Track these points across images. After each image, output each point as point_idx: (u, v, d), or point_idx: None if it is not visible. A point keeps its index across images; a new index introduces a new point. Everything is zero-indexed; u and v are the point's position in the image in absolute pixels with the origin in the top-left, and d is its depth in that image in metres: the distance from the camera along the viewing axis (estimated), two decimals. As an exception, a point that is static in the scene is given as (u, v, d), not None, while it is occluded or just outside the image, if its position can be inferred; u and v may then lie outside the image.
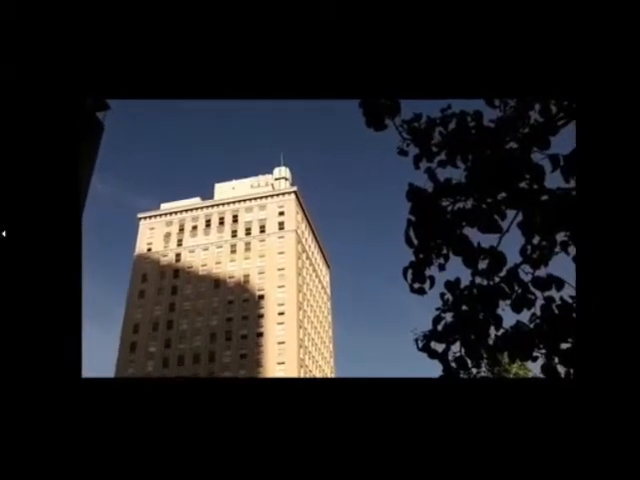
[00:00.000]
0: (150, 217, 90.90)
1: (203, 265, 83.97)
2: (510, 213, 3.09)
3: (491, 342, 2.81)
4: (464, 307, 2.90)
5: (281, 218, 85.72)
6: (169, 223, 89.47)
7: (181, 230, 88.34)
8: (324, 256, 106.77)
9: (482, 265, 2.94)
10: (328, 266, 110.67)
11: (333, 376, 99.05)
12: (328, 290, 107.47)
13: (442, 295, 2.99)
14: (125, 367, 76.92)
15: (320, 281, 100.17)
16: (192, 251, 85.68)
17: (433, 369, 3.07)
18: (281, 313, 77.21)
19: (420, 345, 2.93)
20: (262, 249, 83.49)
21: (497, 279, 2.90)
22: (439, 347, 2.95)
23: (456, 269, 3.21)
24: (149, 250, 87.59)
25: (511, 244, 3.15)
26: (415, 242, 2.98)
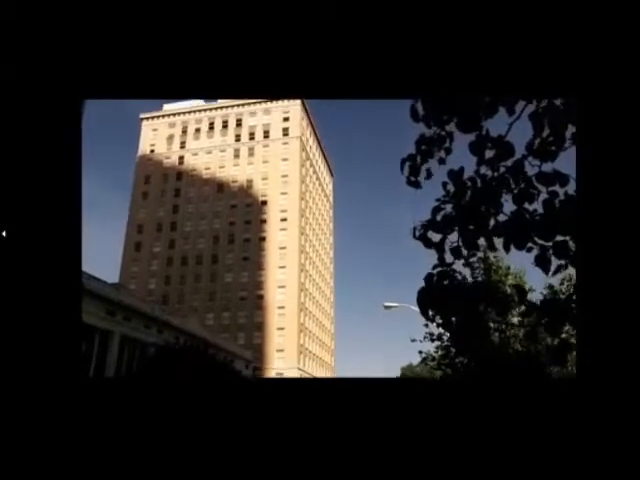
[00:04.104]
0: (153, 118, 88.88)
1: (206, 169, 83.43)
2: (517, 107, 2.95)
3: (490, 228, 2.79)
4: (465, 198, 2.84)
5: (286, 124, 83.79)
6: (172, 125, 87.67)
7: (184, 132, 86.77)
8: (328, 164, 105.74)
9: (489, 155, 2.85)
10: (332, 174, 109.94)
11: (332, 280, 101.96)
12: (331, 198, 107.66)
13: (444, 184, 2.91)
14: (129, 266, 79.05)
15: (323, 189, 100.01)
16: (195, 154, 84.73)
17: (424, 267, 3.07)
18: (284, 219, 77.90)
19: (417, 234, 2.90)
20: (266, 155, 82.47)
21: (502, 169, 2.82)
22: (436, 238, 2.93)
23: (456, 165, 3.12)
24: (152, 152, 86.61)
25: (520, 139, 3.04)
26: (421, 114, 2.88)
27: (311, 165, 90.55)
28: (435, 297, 2.75)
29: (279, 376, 66.22)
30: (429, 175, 3.05)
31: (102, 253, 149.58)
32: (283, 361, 69.76)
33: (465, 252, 2.81)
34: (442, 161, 3.08)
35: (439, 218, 2.87)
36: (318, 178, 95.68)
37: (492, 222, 2.77)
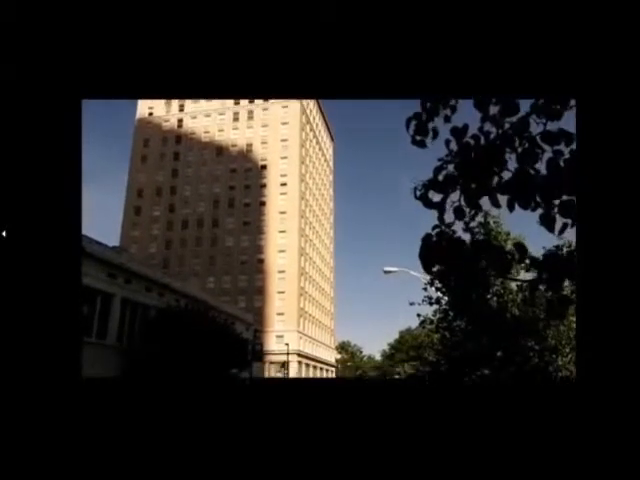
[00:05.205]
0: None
1: (205, 132, 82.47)
2: None
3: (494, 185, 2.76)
4: (469, 156, 2.79)
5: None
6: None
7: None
8: (328, 129, 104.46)
9: (493, 111, 2.79)
10: (332, 139, 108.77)
11: (332, 245, 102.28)
12: (331, 163, 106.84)
13: (447, 142, 2.86)
14: (130, 230, 79.12)
15: (323, 154, 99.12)
16: (194, 117, 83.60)
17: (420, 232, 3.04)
18: (283, 184, 77.51)
19: (418, 194, 2.86)
20: (265, 118, 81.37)
21: (507, 126, 2.77)
22: (437, 199, 2.89)
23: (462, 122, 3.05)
24: (150, 115, 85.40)
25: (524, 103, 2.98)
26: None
27: (311, 129, 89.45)
28: (437, 251, 2.75)
29: (279, 338, 67.26)
30: (435, 134, 2.99)
31: (102, 218, 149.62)
32: (283, 324, 70.71)
33: (467, 212, 2.78)
34: (447, 119, 3.02)
35: (441, 178, 2.83)
36: (318, 142, 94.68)
37: (496, 180, 2.74)
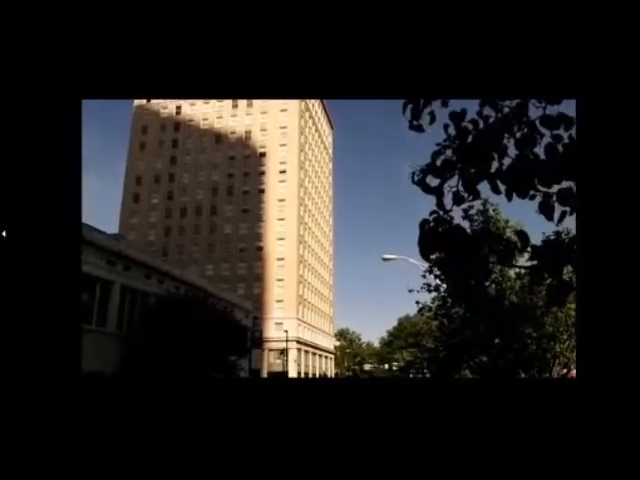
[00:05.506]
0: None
1: (204, 119, 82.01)
2: None
3: (493, 170, 2.75)
4: (467, 140, 2.78)
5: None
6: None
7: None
8: (328, 116, 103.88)
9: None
10: (332, 127, 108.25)
11: (331, 233, 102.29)
12: (330, 151, 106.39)
13: (445, 127, 2.84)
14: (128, 217, 79.01)
15: (323, 142, 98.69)
16: (193, 104, 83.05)
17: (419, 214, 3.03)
18: (282, 171, 77.27)
19: (416, 179, 2.85)
20: (264, 105, 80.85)
21: (506, 110, 2.75)
22: (435, 184, 2.88)
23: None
24: (148, 101, 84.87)
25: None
26: None
27: (310, 116, 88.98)
28: (435, 238, 2.75)
29: (278, 325, 67.51)
30: (433, 119, 2.98)
31: (100, 205, 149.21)
32: (282, 311, 70.95)
33: (466, 197, 2.77)
34: (445, 103, 2.99)
35: (439, 163, 2.81)
36: (317, 130, 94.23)
37: (496, 165, 2.73)
